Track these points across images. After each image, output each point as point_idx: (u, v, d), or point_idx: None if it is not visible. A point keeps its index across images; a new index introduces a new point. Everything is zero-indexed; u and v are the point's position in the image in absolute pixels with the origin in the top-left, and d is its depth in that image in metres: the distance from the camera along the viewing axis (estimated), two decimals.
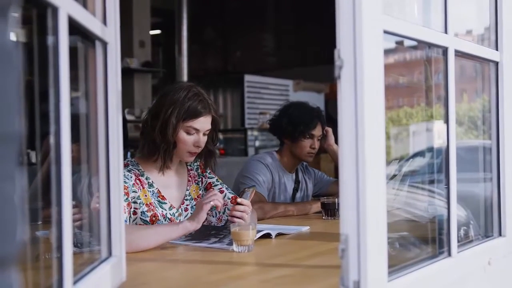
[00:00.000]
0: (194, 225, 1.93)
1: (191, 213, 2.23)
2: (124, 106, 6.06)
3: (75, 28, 1.07)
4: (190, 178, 2.32)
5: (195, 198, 2.29)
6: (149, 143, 2.16)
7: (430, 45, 1.48)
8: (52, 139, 0.97)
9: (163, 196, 2.19)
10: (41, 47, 0.99)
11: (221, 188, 2.33)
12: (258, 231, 1.98)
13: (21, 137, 0.57)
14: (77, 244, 1.25)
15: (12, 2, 0.60)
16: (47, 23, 0.96)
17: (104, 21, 1.31)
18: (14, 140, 0.56)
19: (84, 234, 1.40)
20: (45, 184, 1.06)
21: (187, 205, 2.27)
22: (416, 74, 1.91)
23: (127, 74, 6.98)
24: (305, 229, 2.29)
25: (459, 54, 1.50)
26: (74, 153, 1.11)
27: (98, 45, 1.29)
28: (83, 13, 1.11)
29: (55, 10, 0.95)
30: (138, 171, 2.17)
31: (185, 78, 8.34)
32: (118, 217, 1.34)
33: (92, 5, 1.26)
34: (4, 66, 0.54)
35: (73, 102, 1.03)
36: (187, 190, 2.29)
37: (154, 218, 2.12)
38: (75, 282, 1.03)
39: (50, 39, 0.97)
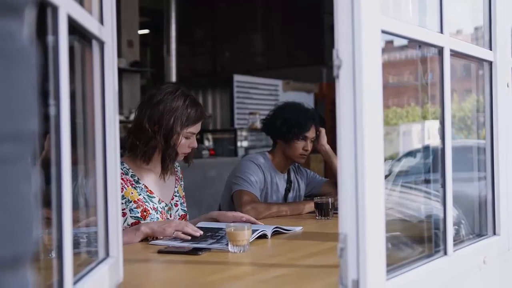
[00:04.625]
0: (146, 231, 2.00)
1: (181, 209, 2.34)
2: None
3: (72, 27, 1.06)
4: (177, 177, 2.40)
5: (182, 196, 2.39)
6: (149, 148, 2.17)
7: (427, 45, 1.49)
8: (51, 139, 0.96)
9: (151, 190, 2.24)
10: (40, 46, 0.97)
11: (182, 201, 2.40)
12: (254, 231, 1.97)
13: (37, 137, 0.57)
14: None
15: (28, 2, 0.59)
16: (46, 22, 0.95)
17: (101, 21, 1.30)
18: (30, 140, 0.56)
19: (79, 235, 1.39)
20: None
21: (176, 201, 2.34)
22: (406, 74, 1.91)
23: None
24: (299, 229, 2.29)
25: (454, 53, 1.51)
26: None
27: (95, 44, 1.28)
28: (82, 13, 1.10)
29: (55, 9, 0.94)
30: (122, 169, 2.18)
31: (173, 78, 8.30)
32: (115, 218, 1.34)
33: (89, 4, 1.25)
34: (22, 66, 0.53)
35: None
36: (175, 187, 2.36)
37: (145, 213, 2.17)
38: (74, 283, 1.03)
39: (49, 38, 0.96)
